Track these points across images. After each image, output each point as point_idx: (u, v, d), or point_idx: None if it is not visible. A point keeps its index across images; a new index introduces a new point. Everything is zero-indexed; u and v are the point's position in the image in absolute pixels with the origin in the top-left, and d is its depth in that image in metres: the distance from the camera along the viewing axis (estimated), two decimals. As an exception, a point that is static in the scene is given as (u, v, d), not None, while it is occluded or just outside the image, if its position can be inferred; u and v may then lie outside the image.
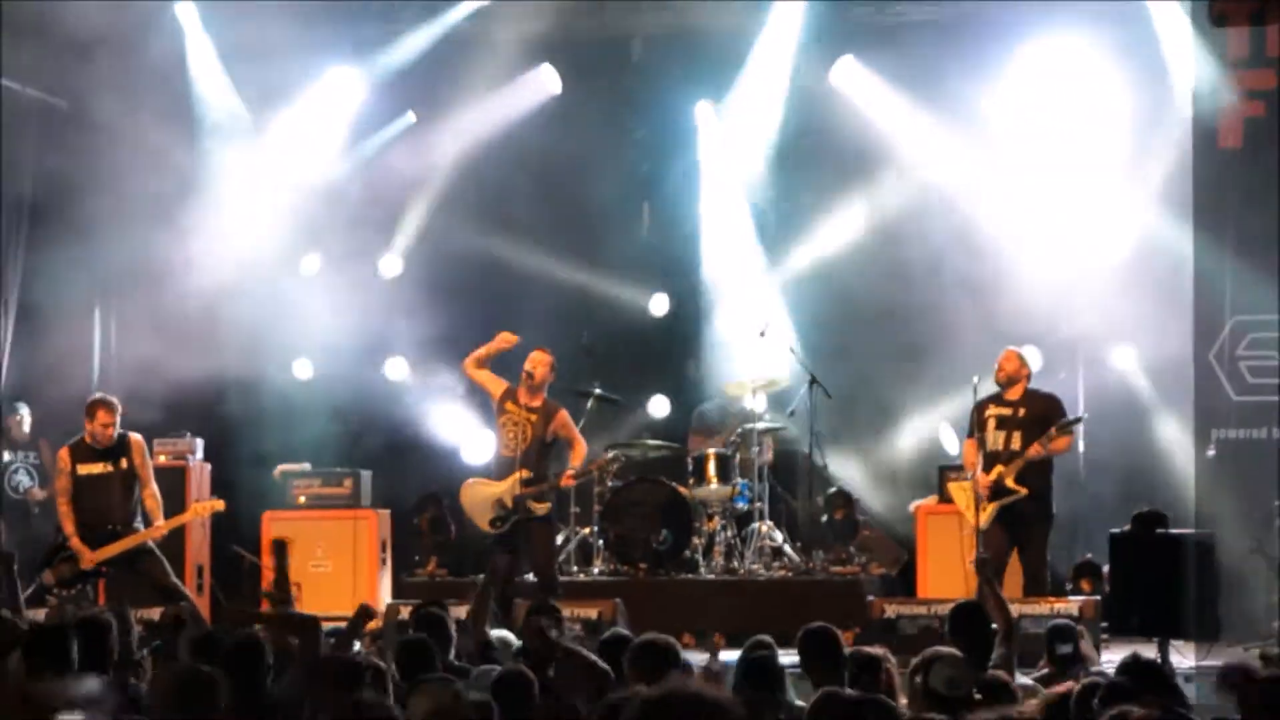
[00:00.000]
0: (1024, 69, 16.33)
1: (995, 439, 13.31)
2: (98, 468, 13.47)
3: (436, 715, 6.07)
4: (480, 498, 13.72)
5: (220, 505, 14.39)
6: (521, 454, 13.59)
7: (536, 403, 13.74)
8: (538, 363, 13.74)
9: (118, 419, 13.49)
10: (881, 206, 16.79)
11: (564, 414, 13.83)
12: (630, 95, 17.45)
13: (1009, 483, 13.14)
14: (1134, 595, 13.73)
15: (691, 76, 17.18)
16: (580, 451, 13.82)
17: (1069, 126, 16.17)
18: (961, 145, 16.51)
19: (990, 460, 13.28)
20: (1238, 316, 14.73)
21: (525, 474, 13.50)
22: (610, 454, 14.53)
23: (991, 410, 13.39)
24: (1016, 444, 13.24)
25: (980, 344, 14.68)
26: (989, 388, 13.44)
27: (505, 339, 13.76)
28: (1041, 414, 13.32)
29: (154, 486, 13.56)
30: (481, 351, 13.84)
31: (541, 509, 13.64)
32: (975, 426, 13.41)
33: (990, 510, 13.16)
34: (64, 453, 13.61)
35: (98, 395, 13.77)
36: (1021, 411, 13.34)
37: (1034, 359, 13.93)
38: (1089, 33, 16.05)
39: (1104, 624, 13.13)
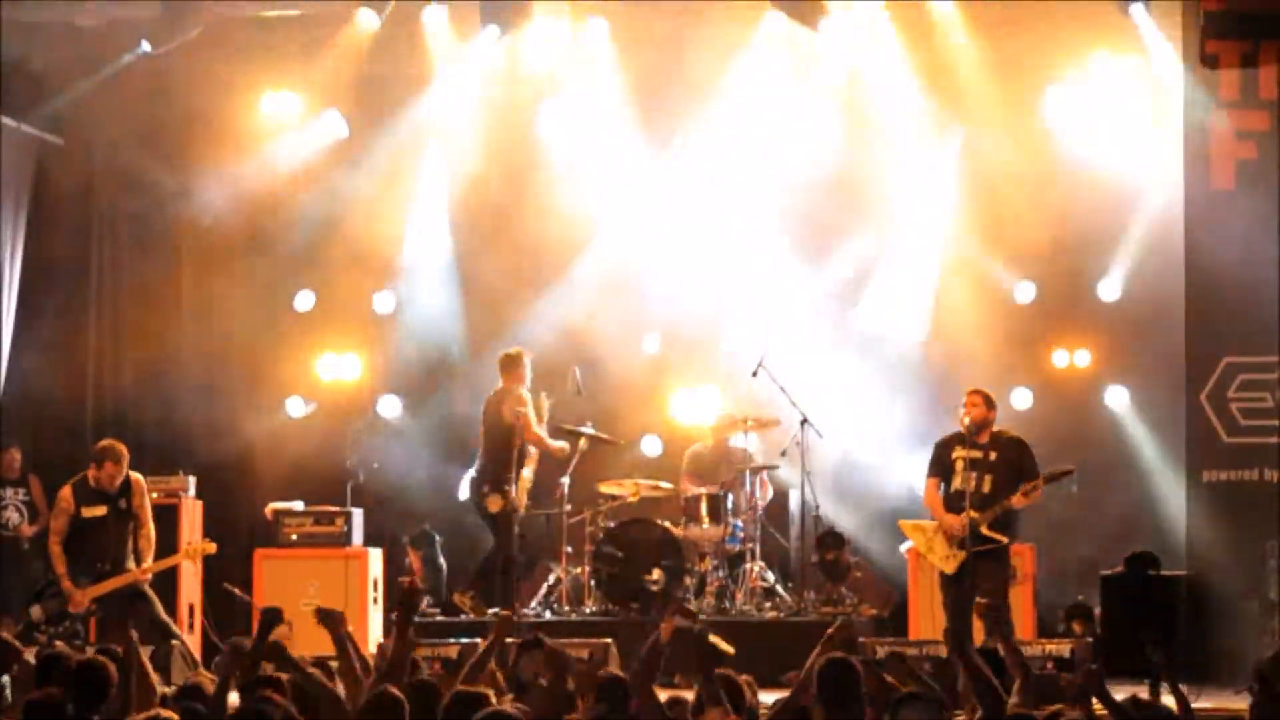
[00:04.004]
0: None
1: (965, 480, 13.03)
2: (100, 510, 13.41)
3: None
4: None
5: (212, 548, 14.37)
6: None
7: None
8: None
9: (125, 468, 13.44)
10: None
11: None
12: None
13: (985, 530, 12.97)
14: (1126, 637, 13.75)
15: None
16: None
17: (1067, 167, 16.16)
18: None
19: (957, 500, 13.03)
20: (1229, 358, 14.74)
21: None
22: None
23: (960, 451, 13.10)
24: (987, 487, 12.93)
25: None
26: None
27: None
28: (1014, 458, 13.05)
29: (150, 527, 13.56)
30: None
31: None
32: (938, 467, 13.26)
33: (962, 558, 12.99)
34: (67, 492, 13.53)
35: (106, 444, 13.67)
36: (993, 455, 13.03)
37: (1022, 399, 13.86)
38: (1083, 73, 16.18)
39: (1094, 666, 13.08)
